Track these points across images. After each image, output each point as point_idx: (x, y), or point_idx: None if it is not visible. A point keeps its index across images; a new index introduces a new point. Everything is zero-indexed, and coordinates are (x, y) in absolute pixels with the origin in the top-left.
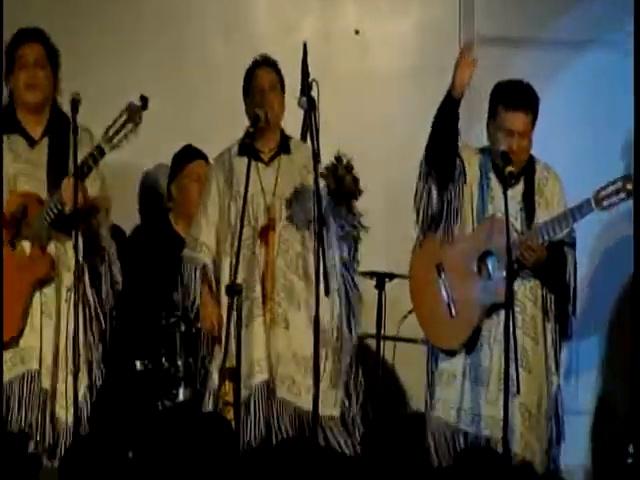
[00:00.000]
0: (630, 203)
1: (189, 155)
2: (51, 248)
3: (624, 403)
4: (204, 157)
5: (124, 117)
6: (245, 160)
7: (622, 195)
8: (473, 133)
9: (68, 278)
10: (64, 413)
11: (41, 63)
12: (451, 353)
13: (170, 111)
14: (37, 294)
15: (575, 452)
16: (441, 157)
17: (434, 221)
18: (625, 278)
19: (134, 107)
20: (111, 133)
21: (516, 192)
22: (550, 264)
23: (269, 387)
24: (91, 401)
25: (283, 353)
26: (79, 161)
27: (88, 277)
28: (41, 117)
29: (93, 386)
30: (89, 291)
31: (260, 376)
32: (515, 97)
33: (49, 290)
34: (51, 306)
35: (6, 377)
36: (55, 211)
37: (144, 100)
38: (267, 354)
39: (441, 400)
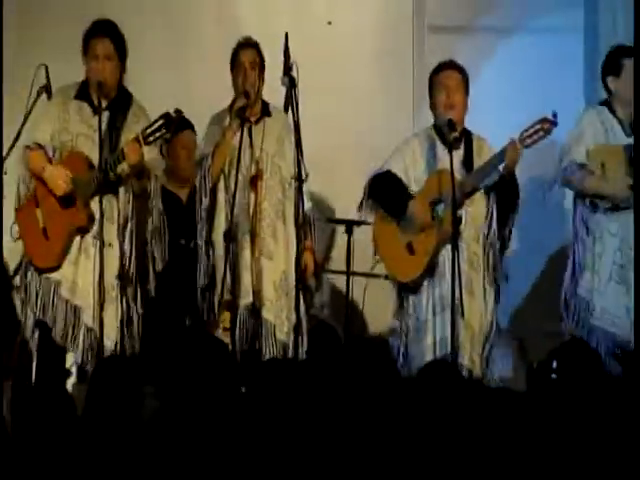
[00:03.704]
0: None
1: (180, 125)
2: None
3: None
4: (191, 126)
5: (161, 122)
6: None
7: (541, 134)
8: (423, 116)
9: (112, 230)
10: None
11: (109, 56)
12: (413, 288)
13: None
14: (77, 238)
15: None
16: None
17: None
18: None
19: (170, 117)
20: (148, 131)
21: (458, 154)
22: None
23: (254, 308)
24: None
25: (266, 280)
26: (140, 131)
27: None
28: (108, 95)
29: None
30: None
31: (247, 298)
32: (445, 63)
33: (89, 237)
34: (90, 250)
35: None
36: (111, 166)
37: (178, 113)
38: (252, 281)
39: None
